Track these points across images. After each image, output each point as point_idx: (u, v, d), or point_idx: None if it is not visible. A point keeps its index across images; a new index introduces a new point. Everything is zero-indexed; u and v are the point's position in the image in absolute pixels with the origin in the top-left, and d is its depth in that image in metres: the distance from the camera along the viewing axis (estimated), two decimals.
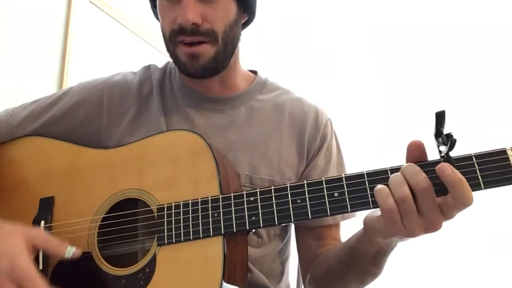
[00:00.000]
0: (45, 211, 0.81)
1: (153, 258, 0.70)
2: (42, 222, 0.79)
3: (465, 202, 0.56)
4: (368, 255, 0.72)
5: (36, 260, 0.75)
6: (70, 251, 0.69)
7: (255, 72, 1.00)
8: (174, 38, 0.82)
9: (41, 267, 0.75)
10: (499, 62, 3.14)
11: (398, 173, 0.59)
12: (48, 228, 0.80)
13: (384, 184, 0.60)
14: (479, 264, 2.87)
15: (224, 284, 0.66)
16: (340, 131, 1.01)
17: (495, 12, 2.96)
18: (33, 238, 0.69)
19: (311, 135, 0.92)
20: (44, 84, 1.89)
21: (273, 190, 0.67)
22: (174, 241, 0.70)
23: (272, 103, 0.94)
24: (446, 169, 0.56)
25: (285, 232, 0.94)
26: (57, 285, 0.74)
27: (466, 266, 2.90)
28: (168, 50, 0.86)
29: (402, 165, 0.61)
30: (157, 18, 0.91)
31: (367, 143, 3.25)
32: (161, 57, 2.60)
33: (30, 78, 1.81)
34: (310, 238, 0.92)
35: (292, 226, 0.97)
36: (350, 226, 0.87)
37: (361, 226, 0.72)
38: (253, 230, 0.73)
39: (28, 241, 0.67)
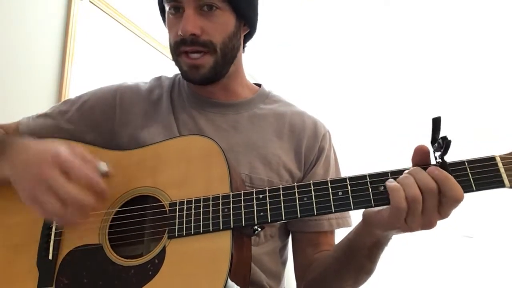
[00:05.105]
0: None
1: (163, 250, 0.72)
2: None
3: (455, 197, 0.61)
4: (364, 247, 0.75)
5: (46, 249, 0.78)
6: (104, 165, 0.75)
7: (259, 85, 1.06)
8: (177, 48, 0.89)
9: (50, 257, 0.78)
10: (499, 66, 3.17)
11: (408, 175, 0.64)
12: None
13: (383, 184, 0.65)
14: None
15: (229, 281, 0.67)
16: (340, 137, 1.03)
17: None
18: (72, 147, 0.73)
19: (309, 145, 0.96)
20: (44, 83, 1.90)
21: (281, 189, 0.71)
22: (184, 234, 0.72)
23: (274, 112, 0.99)
24: (433, 170, 0.62)
25: (283, 235, 0.97)
26: (66, 274, 0.77)
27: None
28: (173, 59, 0.93)
29: (402, 169, 0.66)
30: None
31: (363, 146, 3.27)
32: (160, 57, 2.62)
33: (30, 78, 1.82)
34: (306, 244, 0.95)
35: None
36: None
37: None
38: (259, 230, 0.75)
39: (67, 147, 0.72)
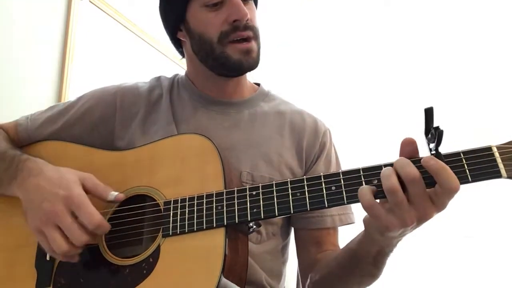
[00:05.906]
0: None
1: (157, 249, 0.73)
2: None
3: (451, 187, 0.59)
4: (369, 256, 0.74)
5: (43, 251, 0.78)
6: (113, 195, 0.76)
7: (258, 84, 1.06)
8: (225, 38, 0.88)
9: (48, 258, 0.78)
10: (495, 63, 3.17)
11: (389, 167, 0.63)
12: None
13: (376, 178, 0.64)
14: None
15: (223, 279, 0.68)
16: (340, 136, 1.04)
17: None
18: (84, 179, 0.76)
19: (310, 142, 0.96)
20: (44, 83, 1.89)
21: (274, 185, 0.71)
22: (178, 232, 0.72)
23: (274, 110, 1.00)
24: (429, 160, 0.60)
25: (284, 233, 0.97)
26: (64, 275, 0.77)
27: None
28: (214, 54, 0.89)
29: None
30: (180, 52, 1.01)
31: (364, 146, 3.26)
32: (160, 57, 2.62)
33: (30, 78, 1.82)
34: (309, 243, 0.95)
35: (292, 230, 1.00)
36: (349, 233, 0.88)
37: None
38: (254, 227, 0.75)
39: (80, 180, 0.75)
